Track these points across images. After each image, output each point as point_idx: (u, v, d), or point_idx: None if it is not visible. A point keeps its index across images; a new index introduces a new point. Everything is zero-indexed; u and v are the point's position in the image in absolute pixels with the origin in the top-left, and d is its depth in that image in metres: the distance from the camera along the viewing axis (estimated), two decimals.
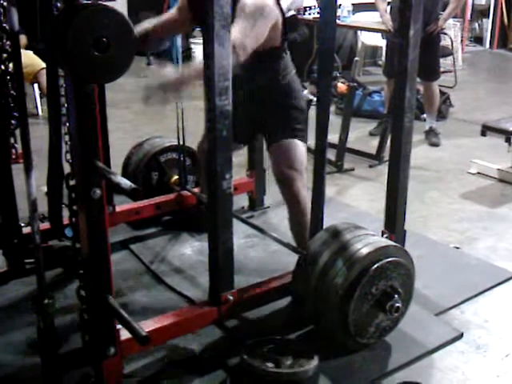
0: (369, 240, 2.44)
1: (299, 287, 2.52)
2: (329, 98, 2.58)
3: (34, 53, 5.72)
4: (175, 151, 3.62)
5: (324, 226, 2.63)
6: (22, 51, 5.65)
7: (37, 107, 5.97)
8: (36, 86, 5.88)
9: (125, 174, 3.62)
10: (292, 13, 7.32)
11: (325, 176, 2.60)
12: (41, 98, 5.91)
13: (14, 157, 2.97)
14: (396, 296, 2.41)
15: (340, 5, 7.12)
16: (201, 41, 2.25)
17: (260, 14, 2.58)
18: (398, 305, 2.40)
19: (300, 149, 2.84)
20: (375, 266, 2.36)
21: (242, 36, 2.49)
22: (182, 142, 3.44)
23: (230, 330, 2.62)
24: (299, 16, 7.49)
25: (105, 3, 1.77)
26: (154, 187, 3.65)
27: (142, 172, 3.62)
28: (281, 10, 2.73)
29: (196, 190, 3.55)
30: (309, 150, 2.97)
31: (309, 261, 2.48)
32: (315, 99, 2.61)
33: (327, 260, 2.41)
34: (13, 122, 2.87)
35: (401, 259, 2.46)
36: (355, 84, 5.13)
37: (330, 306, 2.38)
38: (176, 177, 3.63)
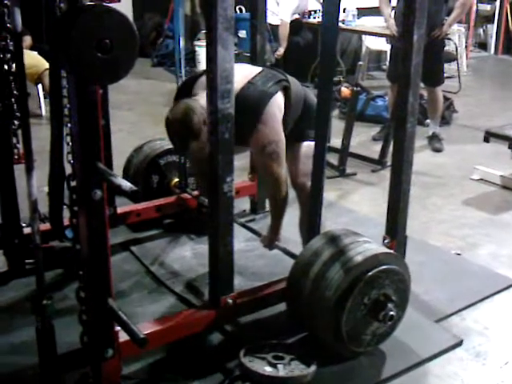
0: (359, 249, 2.40)
1: (293, 295, 2.51)
2: (330, 102, 2.57)
3: (39, 53, 5.73)
4: (175, 154, 3.61)
5: (327, 229, 2.64)
6: (27, 52, 5.68)
7: (40, 108, 5.98)
8: (40, 86, 5.88)
9: (125, 177, 3.61)
10: (296, 16, 7.33)
11: (323, 181, 2.59)
12: (45, 98, 5.92)
13: (16, 157, 2.97)
14: (389, 305, 2.38)
15: (345, 9, 7.13)
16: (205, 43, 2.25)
17: (276, 143, 2.68)
18: (391, 313, 2.38)
19: (311, 149, 2.85)
20: (365, 276, 2.33)
21: (274, 175, 2.73)
22: None
23: (228, 333, 2.62)
24: (303, 20, 7.50)
25: (108, 5, 1.77)
26: (155, 190, 3.65)
27: (142, 175, 3.62)
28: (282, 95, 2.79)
29: (196, 192, 3.54)
30: None
31: (302, 269, 2.46)
32: None
33: (318, 271, 2.39)
34: (16, 122, 2.88)
35: (393, 266, 2.42)
36: (359, 88, 5.12)
37: (322, 318, 2.37)
38: (176, 179, 3.63)
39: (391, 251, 2.55)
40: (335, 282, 2.33)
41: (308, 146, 2.89)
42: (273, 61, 6.78)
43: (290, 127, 2.87)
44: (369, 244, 2.48)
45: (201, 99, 2.59)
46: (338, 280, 2.32)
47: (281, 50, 6.96)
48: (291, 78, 2.90)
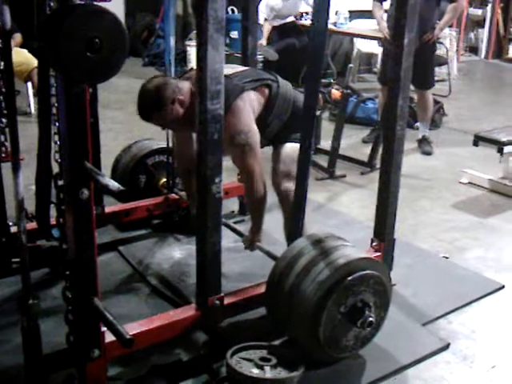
0: (336, 255, 2.37)
1: (271, 301, 2.49)
2: (315, 104, 2.55)
3: (29, 51, 5.70)
4: (163, 154, 3.60)
5: (314, 231, 2.63)
6: (17, 49, 5.64)
7: (30, 105, 5.95)
8: (30, 84, 5.86)
9: (114, 177, 3.60)
10: (291, 19, 7.33)
11: (307, 184, 2.56)
12: (34, 96, 5.89)
13: (3, 155, 2.95)
14: (367, 311, 2.35)
15: (336, 11, 7.14)
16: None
17: (245, 134, 2.66)
18: (370, 319, 2.35)
19: (294, 152, 2.84)
20: (338, 287, 2.30)
21: (248, 168, 2.70)
22: (170, 145, 3.42)
23: (215, 334, 2.60)
24: (297, 22, 7.51)
25: (97, 4, 1.76)
26: (142, 190, 3.63)
27: (129, 175, 3.61)
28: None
29: (183, 192, 3.52)
30: None
31: (278, 280, 2.44)
32: None
33: (292, 283, 2.36)
34: (3, 119, 2.86)
35: (370, 271, 2.38)
36: (349, 91, 5.12)
37: (300, 326, 2.35)
38: (164, 179, 3.61)
39: (368, 256, 2.54)
40: (309, 295, 2.30)
41: (291, 148, 2.87)
42: (275, 56, 6.83)
43: (276, 129, 2.86)
44: (347, 249, 2.45)
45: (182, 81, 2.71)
46: (311, 293, 2.30)
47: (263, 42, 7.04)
48: (282, 80, 2.90)
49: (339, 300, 2.32)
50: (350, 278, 2.32)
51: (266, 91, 2.83)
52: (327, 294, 2.29)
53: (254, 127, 2.71)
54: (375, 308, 2.41)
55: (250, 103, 2.73)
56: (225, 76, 2.66)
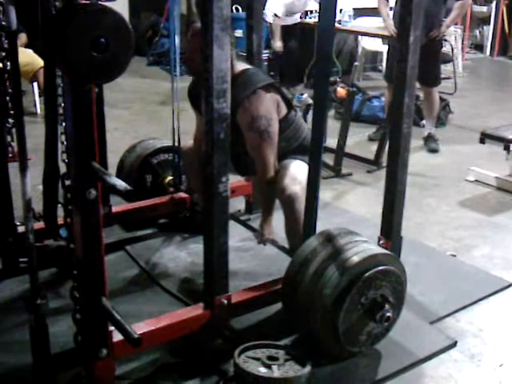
0: (358, 249, 2.40)
1: (290, 293, 2.50)
2: (325, 103, 2.55)
3: (34, 51, 5.71)
4: (167, 152, 3.61)
5: (320, 230, 2.62)
6: (22, 49, 5.65)
7: (36, 106, 5.96)
8: (35, 84, 5.87)
9: (119, 177, 3.60)
10: (297, 20, 7.30)
11: (319, 181, 2.57)
12: (40, 96, 5.90)
13: (10, 155, 2.96)
14: (386, 305, 2.38)
15: (341, 9, 7.12)
16: None
17: (267, 120, 2.66)
18: (388, 314, 2.37)
19: (301, 165, 2.85)
20: (364, 276, 2.32)
21: (264, 157, 2.71)
22: (176, 144, 3.42)
23: (223, 333, 2.60)
24: (301, 19, 7.48)
25: (103, 3, 1.76)
26: (148, 189, 3.63)
27: (135, 174, 3.61)
28: (276, 89, 2.80)
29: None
30: None
31: (298, 269, 2.45)
32: None
33: (315, 270, 2.38)
34: (10, 120, 2.86)
35: (390, 267, 2.42)
36: (355, 89, 5.12)
37: (319, 317, 2.36)
38: (169, 177, 3.61)
39: (389, 252, 2.55)
40: (333, 281, 2.32)
41: (297, 162, 2.88)
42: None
43: (283, 150, 2.86)
44: (367, 244, 2.48)
45: None
46: (336, 279, 2.32)
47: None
48: (300, 115, 2.97)
49: (362, 289, 2.34)
50: (376, 269, 2.36)
51: (286, 109, 2.83)
52: (352, 281, 2.32)
53: (276, 118, 2.70)
54: (391, 307, 2.41)
55: (275, 101, 2.74)
56: (259, 68, 2.67)
